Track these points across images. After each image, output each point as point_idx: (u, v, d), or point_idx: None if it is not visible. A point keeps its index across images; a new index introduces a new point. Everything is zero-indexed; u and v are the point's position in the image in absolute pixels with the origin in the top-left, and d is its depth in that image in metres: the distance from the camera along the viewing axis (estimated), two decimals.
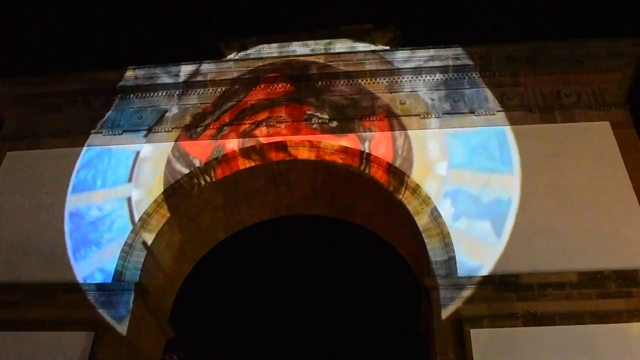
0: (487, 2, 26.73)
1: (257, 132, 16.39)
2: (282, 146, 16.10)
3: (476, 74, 16.69)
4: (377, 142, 15.79)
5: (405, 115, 16.19)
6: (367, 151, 15.61)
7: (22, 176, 16.44)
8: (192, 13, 29.73)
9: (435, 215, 14.40)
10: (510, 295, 12.95)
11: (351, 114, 16.40)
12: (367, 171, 15.61)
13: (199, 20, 29.87)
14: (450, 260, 13.67)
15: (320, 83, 17.04)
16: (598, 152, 15.03)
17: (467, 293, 13.09)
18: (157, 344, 16.09)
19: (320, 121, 16.28)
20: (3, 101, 18.08)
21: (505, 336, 12.46)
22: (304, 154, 16.04)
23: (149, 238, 15.16)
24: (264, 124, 16.51)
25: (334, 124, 16.24)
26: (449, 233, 14.04)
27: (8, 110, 18.05)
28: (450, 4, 28.42)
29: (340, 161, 15.79)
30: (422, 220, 14.56)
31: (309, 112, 16.50)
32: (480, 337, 12.46)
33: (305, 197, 17.81)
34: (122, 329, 13.64)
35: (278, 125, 16.38)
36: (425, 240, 14.26)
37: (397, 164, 15.32)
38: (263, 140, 16.17)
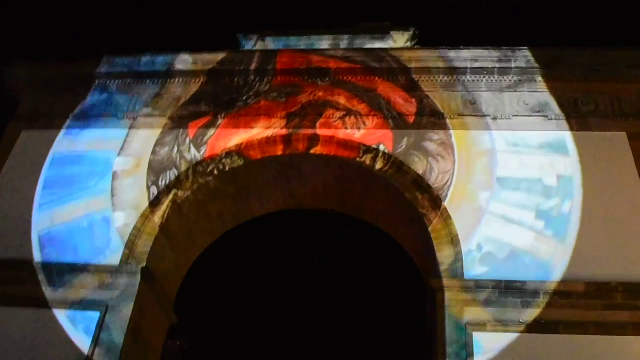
0: (505, 6, 26.61)
1: (276, 123, 16.37)
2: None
3: (494, 77, 16.61)
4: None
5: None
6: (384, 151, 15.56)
7: (37, 155, 16.56)
8: (213, 6, 29.81)
9: (445, 217, 14.38)
10: (515, 301, 12.88)
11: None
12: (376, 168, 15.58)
13: (219, 12, 29.94)
14: (458, 263, 13.64)
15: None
16: (612, 163, 14.93)
17: (472, 296, 13.05)
18: (161, 328, 16.17)
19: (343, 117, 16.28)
20: (20, 83, 18.20)
21: (508, 342, 12.41)
22: (316, 147, 16.04)
23: (158, 223, 15.22)
24: (290, 116, 16.50)
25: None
26: (457, 235, 14.01)
27: (24, 91, 18.17)
28: (470, 5, 28.30)
29: (352, 157, 15.78)
30: (431, 221, 14.52)
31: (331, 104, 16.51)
32: (483, 341, 12.44)
33: (316, 191, 17.82)
34: (127, 312, 13.71)
35: (302, 118, 16.38)
36: (434, 242, 14.24)
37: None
38: (280, 132, 16.16)
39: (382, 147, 15.55)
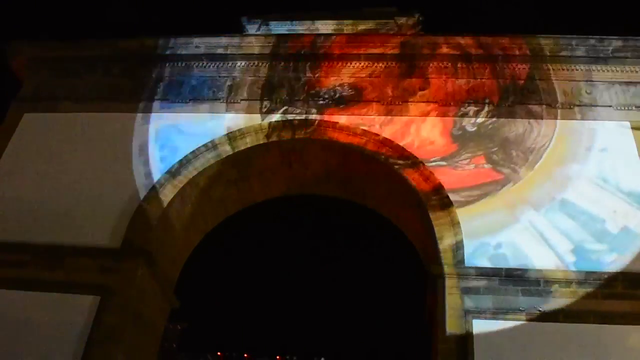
0: None
1: (279, 107, 16.40)
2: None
3: (498, 65, 16.52)
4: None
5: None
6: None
7: (39, 138, 16.56)
8: None
9: (447, 204, 14.36)
10: (515, 289, 12.93)
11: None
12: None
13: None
14: (459, 250, 13.66)
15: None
16: (615, 152, 14.89)
17: (472, 283, 13.08)
18: (161, 312, 16.25)
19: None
20: (23, 63, 18.16)
21: (507, 329, 12.46)
22: (319, 133, 16.02)
23: (160, 207, 15.23)
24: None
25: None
26: (459, 222, 14.01)
27: (27, 72, 18.13)
28: None
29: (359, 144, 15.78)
30: (433, 208, 14.51)
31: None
32: (482, 329, 12.47)
33: (318, 176, 17.81)
34: (128, 295, 13.78)
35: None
36: (435, 228, 14.24)
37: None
38: (282, 117, 16.19)
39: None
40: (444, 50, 16.75)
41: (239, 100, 16.64)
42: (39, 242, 14.48)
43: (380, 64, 16.90)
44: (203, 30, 18.04)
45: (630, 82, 16.00)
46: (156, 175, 15.50)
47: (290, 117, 16.20)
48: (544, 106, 15.75)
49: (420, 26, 17.98)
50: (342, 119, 15.99)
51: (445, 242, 13.88)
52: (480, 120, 15.72)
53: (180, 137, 16.17)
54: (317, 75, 16.95)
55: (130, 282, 13.92)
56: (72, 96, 17.26)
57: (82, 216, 14.94)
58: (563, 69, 16.33)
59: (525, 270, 13.12)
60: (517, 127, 15.51)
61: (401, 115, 15.94)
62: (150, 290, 14.89)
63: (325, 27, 18.13)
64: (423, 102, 16.17)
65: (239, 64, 17.38)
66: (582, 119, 15.51)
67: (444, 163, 15.05)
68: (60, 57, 17.95)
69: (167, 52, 17.67)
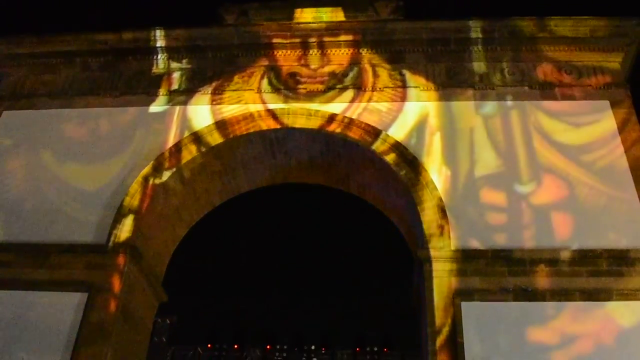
0: None
1: (261, 98, 16.40)
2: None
3: (477, 48, 16.59)
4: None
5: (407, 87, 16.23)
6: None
7: (18, 135, 16.40)
8: None
9: (431, 188, 14.42)
10: (502, 269, 13.04)
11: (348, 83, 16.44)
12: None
13: None
14: (444, 233, 13.73)
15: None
16: (596, 130, 15.03)
17: (459, 266, 13.17)
18: (150, 307, 16.18)
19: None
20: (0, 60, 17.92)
21: (496, 310, 12.58)
22: (301, 121, 15.99)
23: (145, 202, 15.14)
24: (265, 89, 16.53)
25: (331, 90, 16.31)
26: (444, 206, 14.08)
27: (5, 69, 17.94)
28: None
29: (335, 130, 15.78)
30: (418, 192, 14.57)
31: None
32: (471, 311, 12.57)
33: (302, 165, 17.81)
34: (116, 291, 13.70)
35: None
36: (420, 213, 14.30)
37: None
38: (264, 107, 16.16)
39: None
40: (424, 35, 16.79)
41: (221, 92, 16.57)
42: (23, 240, 14.41)
43: (359, 51, 16.88)
44: (181, 22, 17.92)
45: None
46: (140, 169, 15.40)
47: (272, 106, 16.15)
48: None
49: (400, 11, 17.99)
50: (323, 107, 15.98)
51: (431, 226, 13.88)
52: None
53: (162, 129, 16.07)
54: (298, 63, 16.93)
55: (117, 278, 13.84)
56: (50, 92, 17.14)
57: (65, 213, 14.85)
58: None
59: (511, 251, 13.24)
60: None
61: (381, 102, 16.00)
62: (137, 285, 14.84)
63: (304, 15, 18.06)
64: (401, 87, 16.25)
65: (218, 55, 17.29)
66: None
67: None
68: (37, 53, 17.76)
69: (146, 45, 17.49)
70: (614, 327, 12.18)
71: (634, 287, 12.60)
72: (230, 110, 16.20)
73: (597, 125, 15.15)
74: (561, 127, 15.19)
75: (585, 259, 13.00)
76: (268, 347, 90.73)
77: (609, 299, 12.49)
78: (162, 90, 16.85)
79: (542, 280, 12.82)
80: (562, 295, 12.62)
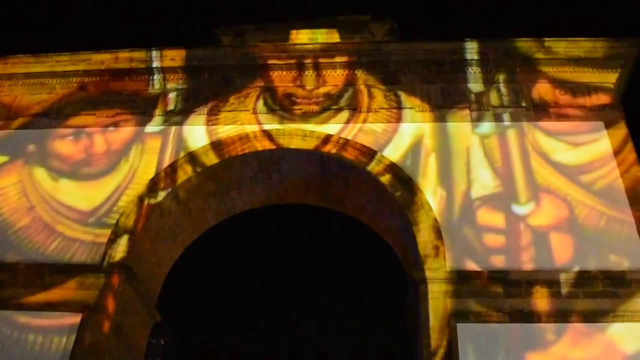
0: None
1: (257, 118, 16.42)
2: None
3: (472, 69, 16.68)
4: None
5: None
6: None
7: (13, 154, 16.37)
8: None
9: (427, 209, 14.40)
10: (498, 291, 12.97)
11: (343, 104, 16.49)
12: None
13: (196, 6, 29.79)
14: (440, 254, 13.68)
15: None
16: (595, 150, 15.07)
17: (454, 287, 13.09)
18: (144, 327, 16.05)
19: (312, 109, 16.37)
20: None
21: (491, 332, 12.49)
22: (296, 142, 15.99)
23: (140, 222, 15.07)
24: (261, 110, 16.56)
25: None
26: (439, 227, 14.05)
27: (1, 88, 17.92)
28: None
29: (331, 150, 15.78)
30: (413, 213, 14.54)
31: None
32: (467, 332, 12.48)
33: (297, 186, 17.78)
34: (110, 311, 13.58)
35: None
36: (415, 233, 14.25)
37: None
38: (260, 127, 16.17)
39: None
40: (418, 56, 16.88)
41: (217, 112, 16.59)
42: (16, 260, 14.30)
43: (355, 72, 16.95)
44: (178, 42, 17.99)
45: None
46: (135, 189, 15.36)
47: (267, 127, 16.17)
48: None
49: (394, 33, 18.12)
50: (319, 127, 16.01)
51: (426, 247, 13.82)
52: None
53: (158, 149, 16.06)
54: (294, 84, 16.98)
55: (111, 298, 13.72)
56: (46, 111, 17.15)
57: (59, 232, 14.76)
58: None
59: (507, 272, 13.18)
60: None
61: (376, 122, 16.03)
62: (131, 306, 14.73)
63: (299, 37, 18.17)
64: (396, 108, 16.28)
65: (214, 75, 17.34)
66: None
67: None
68: (33, 73, 17.78)
69: (143, 65, 17.54)
70: (611, 349, 12.06)
71: (634, 309, 12.51)
72: (226, 130, 16.22)
73: (595, 145, 15.20)
74: (559, 147, 15.23)
75: (582, 280, 12.92)
76: None
77: (605, 320, 12.38)
78: (158, 111, 16.87)
79: (539, 301, 12.75)
80: (558, 316, 12.53)
